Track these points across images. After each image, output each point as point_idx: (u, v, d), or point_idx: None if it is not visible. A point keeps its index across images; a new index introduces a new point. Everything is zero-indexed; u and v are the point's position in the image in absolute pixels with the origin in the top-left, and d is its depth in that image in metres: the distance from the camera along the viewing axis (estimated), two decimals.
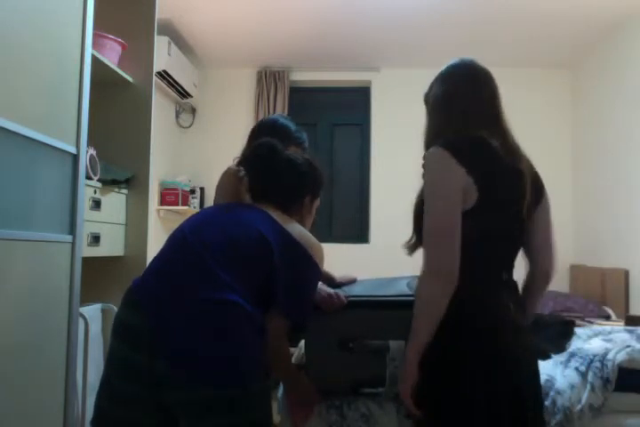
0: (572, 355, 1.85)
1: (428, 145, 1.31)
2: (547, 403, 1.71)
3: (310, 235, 1.33)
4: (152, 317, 1.11)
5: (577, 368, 1.75)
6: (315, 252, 1.29)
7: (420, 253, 1.33)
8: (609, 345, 1.84)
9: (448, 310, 1.15)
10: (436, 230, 1.17)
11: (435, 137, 1.28)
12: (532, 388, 1.22)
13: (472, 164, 1.19)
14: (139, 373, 1.10)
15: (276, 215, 1.31)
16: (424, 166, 1.24)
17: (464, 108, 1.29)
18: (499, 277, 1.24)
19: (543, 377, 1.68)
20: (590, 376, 1.70)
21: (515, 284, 1.29)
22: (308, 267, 1.28)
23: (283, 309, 1.22)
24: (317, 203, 1.52)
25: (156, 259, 1.25)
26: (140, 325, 1.11)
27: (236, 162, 1.50)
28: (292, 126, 1.78)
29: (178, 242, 1.26)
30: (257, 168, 1.41)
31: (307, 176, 1.43)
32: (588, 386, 1.68)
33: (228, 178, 1.56)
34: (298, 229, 1.31)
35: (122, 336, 1.15)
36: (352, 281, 1.71)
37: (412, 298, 1.48)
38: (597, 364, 1.71)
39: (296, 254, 1.25)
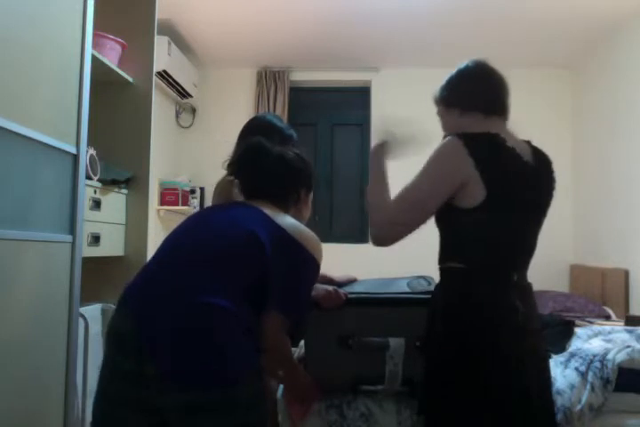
0: (572, 355, 1.85)
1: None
2: None
3: (306, 228, 1.31)
4: (138, 321, 1.11)
5: (577, 368, 1.75)
6: (310, 245, 1.27)
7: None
8: (609, 345, 1.85)
9: (449, 301, 1.19)
10: (411, 203, 1.26)
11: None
12: (541, 391, 1.22)
13: (483, 158, 1.18)
14: (129, 378, 1.10)
15: (270, 211, 1.30)
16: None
17: (484, 109, 1.29)
18: (507, 278, 1.23)
19: None
20: (590, 376, 1.70)
21: (528, 285, 1.28)
22: (304, 262, 1.26)
23: (279, 305, 1.20)
24: (311, 195, 1.51)
25: (148, 262, 1.25)
26: (128, 330, 1.11)
27: (225, 164, 1.48)
28: (282, 124, 1.78)
29: (169, 245, 1.26)
30: (249, 169, 1.40)
31: (299, 170, 1.42)
32: (588, 386, 1.68)
33: (223, 185, 1.58)
34: (292, 224, 1.29)
35: (112, 342, 1.15)
36: (352, 281, 1.71)
37: (411, 296, 1.48)
38: (597, 364, 1.71)
39: (290, 250, 1.23)
